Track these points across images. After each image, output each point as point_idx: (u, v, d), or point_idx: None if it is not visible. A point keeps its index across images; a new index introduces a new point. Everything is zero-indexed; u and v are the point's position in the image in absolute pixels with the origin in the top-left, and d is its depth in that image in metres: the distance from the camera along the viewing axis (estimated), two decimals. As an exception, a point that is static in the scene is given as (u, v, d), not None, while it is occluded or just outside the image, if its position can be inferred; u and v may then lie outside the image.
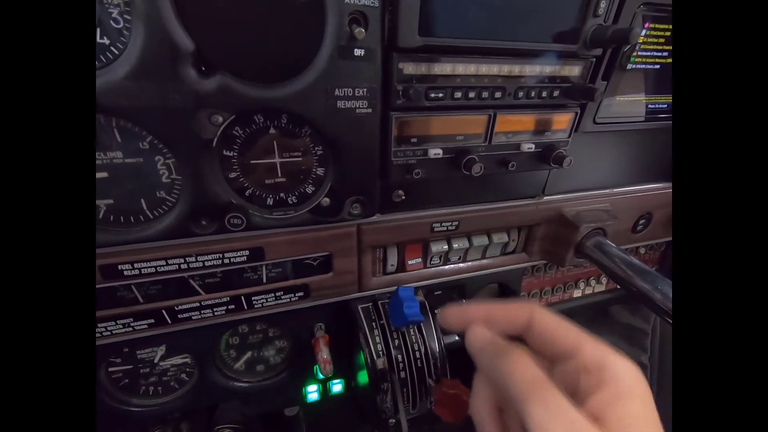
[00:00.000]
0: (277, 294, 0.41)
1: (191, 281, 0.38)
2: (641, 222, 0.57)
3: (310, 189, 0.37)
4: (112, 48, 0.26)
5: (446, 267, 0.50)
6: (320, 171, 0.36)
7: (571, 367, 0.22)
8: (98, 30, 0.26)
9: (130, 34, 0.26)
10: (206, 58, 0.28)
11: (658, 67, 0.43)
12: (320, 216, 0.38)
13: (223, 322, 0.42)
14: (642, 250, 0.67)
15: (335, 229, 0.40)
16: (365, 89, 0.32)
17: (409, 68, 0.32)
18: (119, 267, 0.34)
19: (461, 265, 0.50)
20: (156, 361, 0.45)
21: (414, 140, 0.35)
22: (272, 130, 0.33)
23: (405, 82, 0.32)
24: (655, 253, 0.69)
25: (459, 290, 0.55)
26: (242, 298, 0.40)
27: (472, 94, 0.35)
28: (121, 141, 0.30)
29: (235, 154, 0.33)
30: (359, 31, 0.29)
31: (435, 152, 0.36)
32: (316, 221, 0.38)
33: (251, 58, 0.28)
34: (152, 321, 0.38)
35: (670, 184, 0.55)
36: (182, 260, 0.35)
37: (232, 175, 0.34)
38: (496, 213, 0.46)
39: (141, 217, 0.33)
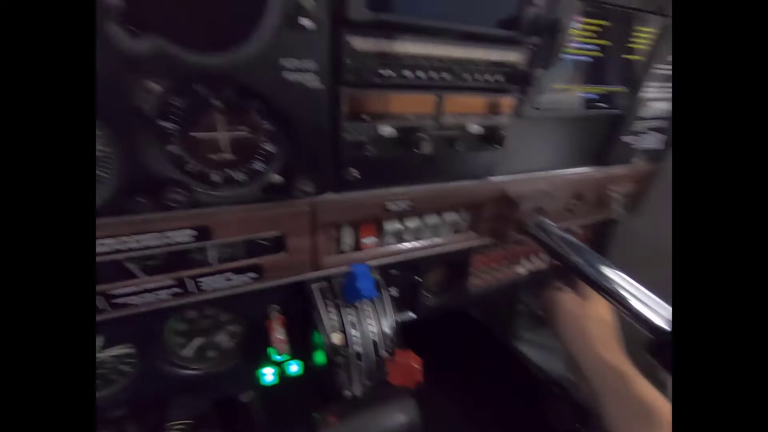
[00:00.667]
0: (228, 275, 0.40)
1: (129, 263, 0.35)
2: (574, 202, 0.63)
3: (260, 166, 0.36)
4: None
5: (400, 246, 0.51)
6: (270, 147, 0.36)
7: None
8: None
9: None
10: (137, 18, 0.25)
11: (590, 59, 0.47)
12: (271, 194, 0.37)
13: (168, 308, 0.40)
14: (576, 229, 0.74)
15: (288, 207, 0.39)
16: (314, 63, 0.31)
17: (358, 43, 0.32)
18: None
19: (415, 243, 0.52)
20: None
21: (365, 117, 0.36)
22: (216, 102, 0.32)
23: (355, 58, 0.32)
24: (587, 231, 0.77)
25: (413, 269, 0.57)
26: (189, 280, 0.38)
27: (421, 74, 0.36)
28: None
29: (175, 126, 0.31)
30: (307, 1, 0.28)
31: (386, 130, 0.37)
32: (267, 199, 0.38)
33: (189, 20, 0.27)
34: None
35: (598, 168, 0.62)
36: (117, 240, 0.33)
37: (172, 148, 0.32)
38: (447, 193, 0.48)
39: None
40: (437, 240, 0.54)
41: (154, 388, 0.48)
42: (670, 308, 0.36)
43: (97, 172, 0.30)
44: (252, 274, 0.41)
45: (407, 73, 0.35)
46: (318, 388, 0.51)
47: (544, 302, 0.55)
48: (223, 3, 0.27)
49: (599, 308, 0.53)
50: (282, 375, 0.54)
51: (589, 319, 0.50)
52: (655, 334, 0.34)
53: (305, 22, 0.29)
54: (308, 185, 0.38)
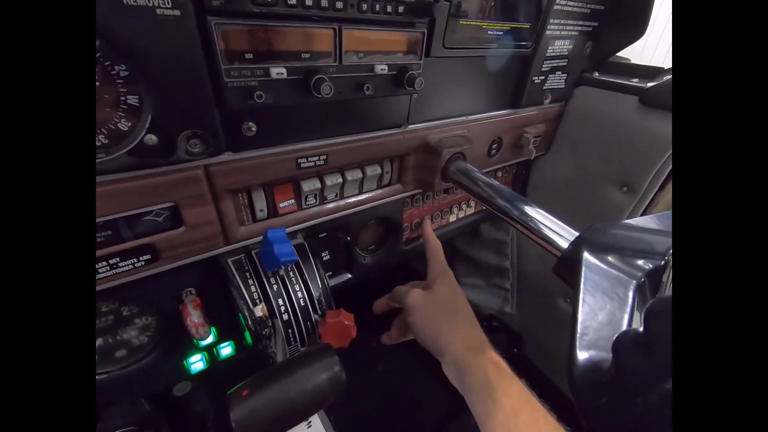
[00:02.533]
0: (112, 262, 0.34)
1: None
2: (494, 146, 0.65)
3: (123, 124, 0.29)
4: None
5: (324, 206, 0.48)
6: (133, 99, 0.29)
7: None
8: None
9: None
10: None
11: (492, -10, 0.46)
12: (147, 158, 0.31)
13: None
14: (499, 174, 0.78)
15: (174, 173, 0.33)
16: (163, -19, 0.25)
17: (220, -43, 0.26)
18: None
19: (340, 202, 0.50)
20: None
21: (249, 56, 0.31)
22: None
23: (220, -23, 0.27)
24: (509, 175, 0.81)
25: (343, 229, 0.55)
26: (57, 274, 0.32)
27: (309, 2, 0.31)
28: None
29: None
30: None
31: (278, 71, 0.32)
32: (143, 165, 0.31)
33: None
34: None
35: (514, 111, 0.63)
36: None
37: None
38: (364, 144, 0.46)
39: None
40: (363, 197, 0.52)
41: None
42: (571, 230, 0.39)
43: None
44: (145, 257, 0.35)
45: (293, 1, 0.30)
46: (254, 366, 0.48)
47: (399, 300, 0.51)
48: None
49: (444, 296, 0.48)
50: (213, 360, 0.50)
51: (438, 309, 0.46)
52: (560, 254, 0.37)
53: None
54: (195, 144, 0.33)
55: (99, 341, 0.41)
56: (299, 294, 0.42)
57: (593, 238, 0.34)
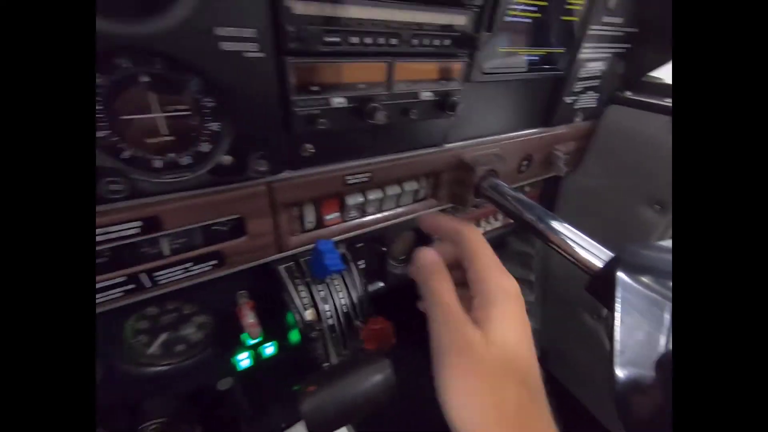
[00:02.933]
0: (186, 266, 0.38)
1: (70, 265, 0.32)
2: (524, 163, 0.67)
3: (206, 147, 0.34)
4: None
5: (364, 219, 0.52)
6: (215, 126, 0.33)
7: (471, 276, 0.29)
8: None
9: None
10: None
11: (530, 21, 0.48)
12: (223, 176, 0.36)
13: (122, 307, 0.37)
14: (527, 188, 0.79)
15: (243, 189, 0.37)
16: (253, 30, 0.29)
17: (298, 7, 0.30)
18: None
19: (378, 215, 0.53)
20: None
21: (315, 89, 0.35)
22: (144, 78, 0.29)
23: (297, 24, 0.31)
24: (536, 189, 0.83)
25: (379, 240, 0.59)
26: (143, 275, 0.36)
27: (368, 40, 0.35)
28: None
29: (99, 107, 0.28)
30: (236, -41, 0.26)
31: (338, 101, 0.36)
32: (219, 182, 0.36)
33: None
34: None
35: (543, 129, 0.65)
36: (51, 240, 0.29)
37: (101, 134, 0.29)
38: (405, 162, 0.49)
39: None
40: (399, 210, 0.55)
41: (122, 391, 0.46)
42: (604, 249, 0.41)
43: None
44: (212, 262, 0.40)
45: (354, 39, 0.34)
46: (296, 365, 0.52)
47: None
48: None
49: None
50: (257, 358, 0.54)
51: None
52: (592, 273, 0.39)
53: (238, -15, 0.27)
54: (262, 164, 0.37)
55: (164, 336, 0.46)
56: (343, 300, 0.45)
57: (628, 259, 0.36)
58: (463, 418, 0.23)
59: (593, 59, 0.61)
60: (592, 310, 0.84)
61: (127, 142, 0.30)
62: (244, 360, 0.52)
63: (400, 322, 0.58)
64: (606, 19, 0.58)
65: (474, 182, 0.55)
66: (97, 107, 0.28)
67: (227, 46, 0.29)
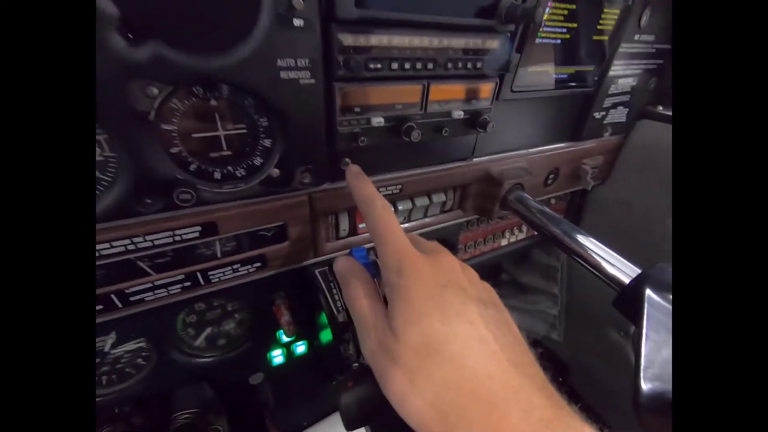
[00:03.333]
0: (234, 267, 0.42)
1: (140, 262, 0.37)
2: (551, 177, 0.67)
3: (258, 161, 0.38)
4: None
5: (393, 228, 0.54)
6: (267, 142, 0.37)
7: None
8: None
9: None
10: (134, 25, 0.26)
11: (559, 42, 0.50)
12: (271, 187, 0.39)
13: (178, 302, 0.42)
14: (552, 201, 0.80)
15: (287, 199, 0.41)
16: (307, 60, 0.33)
17: (348, 40, 0.33)
18: (55, 254, 0.32)
19: (406, 225, 0.56)
20: (106, 350, 0.44)
21: (357, 110, 0.38)
22: (213, 102, 0.33)
23: (345, 54, 0.34)
24: (562, 202, 0.83)
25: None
26: (198, 274, 0.40)
27: (407, 65, 0.38)
28: (40, 117, 0.27)
29: (176, 127, 0.32)
30: (297, 1, 0.29)
31: (377, 121, 0.39)
32: (267, 192, 0.39)
33: (185, 25, 0.27)
34: (101, 307, 0.37)
35: (571, 144, 0.66)
36: (128, 241, 0.34)
37: (175, 150, 0.33)
38: (435, 175, 0.51)
39: (73, 199, 0.31)
40: (427, 220, 0.58)
41: (170, 379, 0.50)
42: (632, 265, 0.41)
43: (101, 176, 0.31)
44: (257, 264, 0.44)
45: (394, 65, 0.37)
46: (326, 364, 0.55)
47: None
48: (219, 7, 0.28)
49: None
50: (289, 356, 0.58)
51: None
52: (620, 288, 0.40)
53: (297, 22, 0.31)
54: (306, 177, 0.40)
55: (209, 330, 0.50)
56: (373, 305, 0.48)
57: (657, 277, 0.37)
58: (408, 415, 0.23)
59: (623, 76, 0.62)
60: (618, 325, 0.83)
61: (194, 157, 0.34)
62: (277, 356, 0.56)
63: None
64: (638, 37, 0.58)
65: (500, 195, 0.57)
66: (172, 127, 0.32)
67: (285, 74, 0.32)
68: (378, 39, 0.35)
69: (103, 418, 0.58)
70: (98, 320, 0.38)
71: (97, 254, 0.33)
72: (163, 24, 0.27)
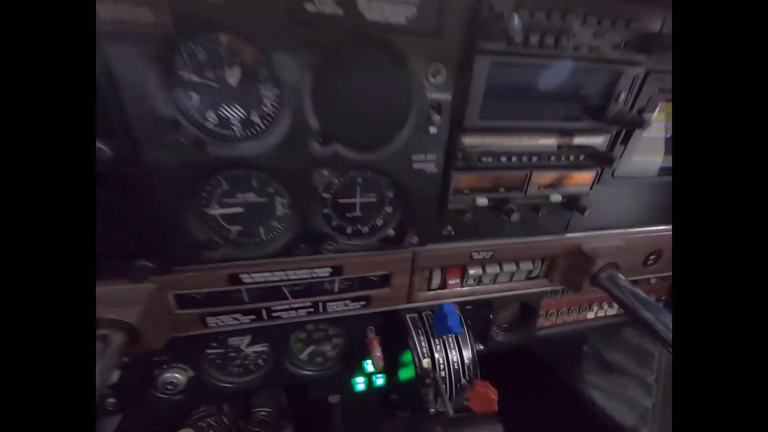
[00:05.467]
0: (346, 302, 0.52)
1: (284, 289, 0.49)
2: (651, 257, 0.65)
3: (380, 222, 0.48)
4: (261, 125, 0.37)
5: (478, 287, 0.59)
6: (390, 210, 0.47)
7: None
8: (252, 111, 0.37)
9: (277, 118, 0.37)
10: (326, 135, 0.38)
11: (668, 135, 0.51)
12: (386, 244, 0.49)
13: (297, 322, 0.53)
14: (653, 280, 0.75)
15: (397, 254, 0.50)
16: (434, 155, 0.42)
17: (468, 141, 0.42)
18: (240, 276, 0.45)
19: (491, 286, 0.60)
20: (242, 347, 0.57)
21: (466, 191, 0.45)
22: (359, 180, 0.44)
23: (464, 151, 0.42)
24: (663, 282, 0.77)
25: (487, 306, 0.65)
26: (320, 304, 0.51)
27: (514, 159, 0.44)
28: (257, 187, 0.41)
29: (330, 196, 0.44)
30: (435, 117, 0.39)
31: (482, 201, 0.46)
32: (382, 247, 0.49)
33: (356, 134, 0.39)
34: (254, 317, 0.49)
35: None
36: (284, 273, 0.46)
37: (326, 211, 0.45)
38: (525, 246, 0.55)
39: (258, 240, 0.44)
40: (511, 284, 0.61)
41: (278, 381, 0.61)
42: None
43: (278, 226, 0.44)
44: (362, 302, 0.53)
45: (503, 158, 0.44)
46: (401, 398, 0.60)
47: None
48: (380, 123, 0.39)
49: None
50: (369, 384, 0.65)
51: None
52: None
53: (432, 129, 0.40)
54: (414, 238, 0.49)
55: (311, 348, 0.61)
56: (454, 358, 0.53)
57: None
58: None
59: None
60: None
61: (336, 217, 0.45)
62: (360, 384, 0.64)
63: (501, 387, 0.61)
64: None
65: (591, 272, 0.58)
66: (328, 196, 0.44)
67: (416, 165, 0.42)
68: (492, 140, 0.43)
69: (204, 400, 0.71)
70: (247, 326, 0.50)
71: (263, 281, 0.46)
72: (342, 134, 0.39)
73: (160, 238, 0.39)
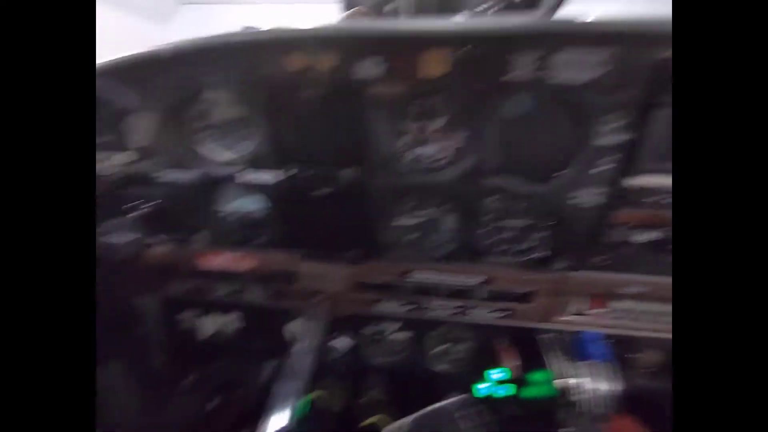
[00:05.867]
0: (490, 311, 0.59)
1: (440, 288, 0.59)
2: None
3: (535, 244, 0.54)
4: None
5: (622, 321, 0.59)
6: (547, 235, 0.53)
7: None
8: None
9: (459, 157, 0.48)
10: (499, 169, 0.48)
11: None
12: (539, 263, 0.54)
13: (442, 321, 0.62)
14: None
15: (546, 274, 0.55)
16: (599, 189, 0.47)
17: (634, 180, 0.45)
18: (410, 272, 0.57)
19: (638, 323, 0.59)
20: (386, 333, 0.69)
21: (626, 225, 0.48)
22: (521, 205, 0.51)
23: (630, 187, 0.46)
24: None
25: (625, 344, 0.63)
26: (466, 307, 0.60)
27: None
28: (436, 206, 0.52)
29: (493, 216, 0.52)
30: (602, 158, 0.44)
31: (642, 237, 0.48)
32: (535, 267, 0.55)
33: (525, 169, 0.47)
34: (414, 307, 0.61)
35: None
36: (445, 275, 0.56)
37: (488, 229, 0.53)
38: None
39: (429, 245, 0.56)
40: (656, 326, 0.59)
41: (408, 370, 0.72)
42: None
43: (446, 236, 0.55)
44: (506, 312, 0.59)
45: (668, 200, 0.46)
46: (539, 414, 0.63)
47: None
48: (548, 159, 0.46)
49: None
50: (492, 392, 0.70)
51: None
52: None
53: (598, 168, 0.45)
54: (563, 264, 0.53)
55: (445, 345, 0.69)
56: (588, 385, 0.54)
57: None
58: None
59: None
60: None
61: (497, 234, 0.54)
62: (483, 389, 0.69)
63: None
64: None
65: None
66: (490, 216, 0.52)
67: (578, 198, 0.48)
68: (658, 179, 0.45)
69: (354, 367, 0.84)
70: (402, 316, 0.62)
71: (426, 279, 0.57)
72: (514, 169, 0.47)
73: (367, 237, 0.54)
